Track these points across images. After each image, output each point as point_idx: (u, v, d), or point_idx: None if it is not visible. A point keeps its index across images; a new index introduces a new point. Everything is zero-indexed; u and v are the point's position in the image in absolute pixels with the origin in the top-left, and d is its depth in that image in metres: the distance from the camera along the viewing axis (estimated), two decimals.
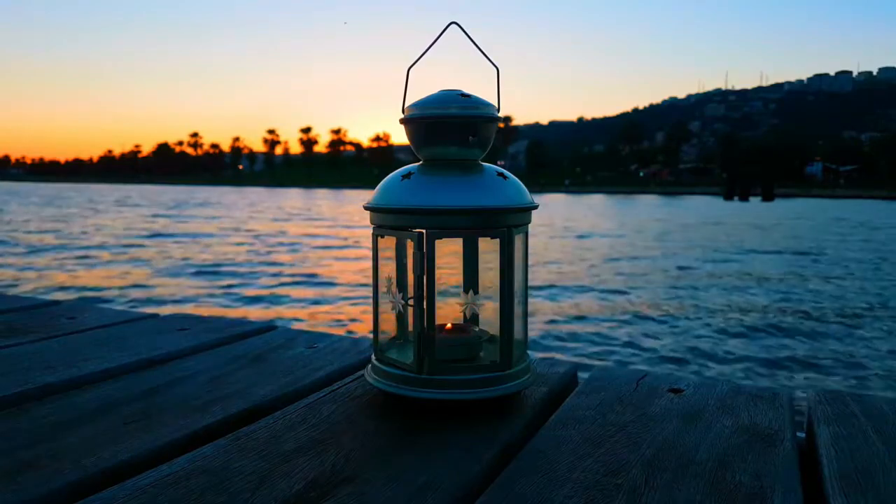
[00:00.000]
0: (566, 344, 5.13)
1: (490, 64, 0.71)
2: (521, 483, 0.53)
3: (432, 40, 0.69)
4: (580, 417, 0.67)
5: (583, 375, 0.83)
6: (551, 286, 7.84)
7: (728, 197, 47.74)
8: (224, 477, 0.53)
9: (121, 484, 0.52)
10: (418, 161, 0.72)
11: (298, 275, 8.66)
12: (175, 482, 0.52)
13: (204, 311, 6.26)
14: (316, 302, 6.84)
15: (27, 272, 8.73)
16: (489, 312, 0.74)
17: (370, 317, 0.74)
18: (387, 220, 0.69)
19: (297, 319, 6.00)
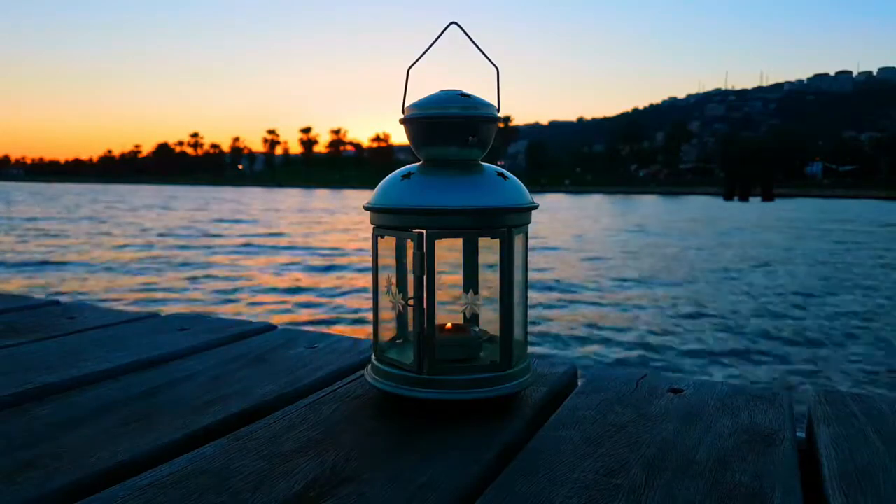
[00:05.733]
0: None
1: (490, 64, 0.71)
2: (521, 483, 0.53)
3: (432, 40, 0.69)
4: (580, 417, 0.67)
5: (583, 375, 0.83)
6: None
7: (728, 197, 47.76)
8: (224, 477, 0.53)
9: (120, 484, 0.52)
10: (418, 161, 0.72)
11: None
12: (175, 482, 0.52)
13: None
14: None
15: None
16: (489, 312, 0.74)
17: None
18: (387, 220, 0.69)
19: None
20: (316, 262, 10.46)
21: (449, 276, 0.74)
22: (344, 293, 7.72)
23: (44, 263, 9.76)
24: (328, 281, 8.61)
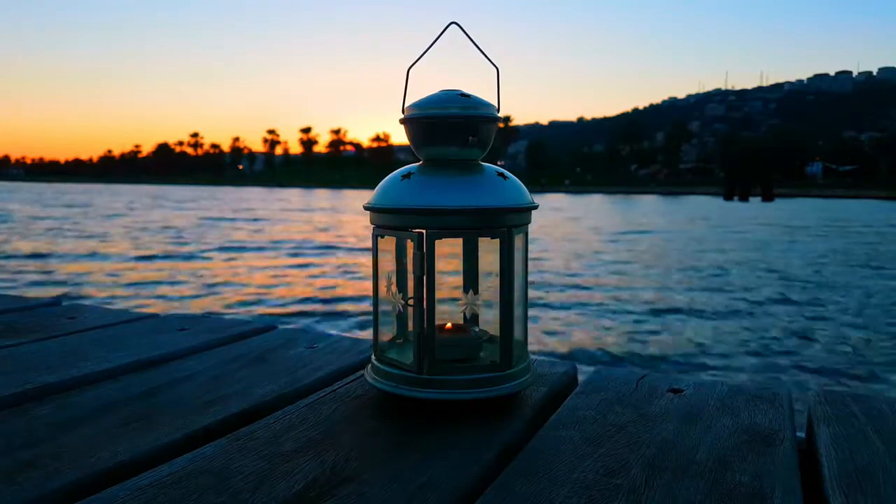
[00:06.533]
0: None
1: (490, 64, 0.72)
2: (521, 483, 0.53)
3: (432, 40, 0.69)
4: (580, 417, 0.67)
5: (583, 375, 0.83)
6: None
7: (728, 197, 47.76)
8: (224, 477, 0.53)
9: (120, 484, 0.52)
10: (418, 161, 0.72)
11: None
12: (175, 482, 0.52)
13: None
14: None
15: None
16: (489, 312, 0.74)
17: None
18: (387, 220, 0.69)
19: None
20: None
21: (449, 275, 0.75)
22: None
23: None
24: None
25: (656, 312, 6.56)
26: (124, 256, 10.49)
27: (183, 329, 1.02)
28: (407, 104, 0.71)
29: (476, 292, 0.73)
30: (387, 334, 0.76)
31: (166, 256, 10.57)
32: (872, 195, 60.62)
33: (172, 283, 7.98)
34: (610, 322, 6.12)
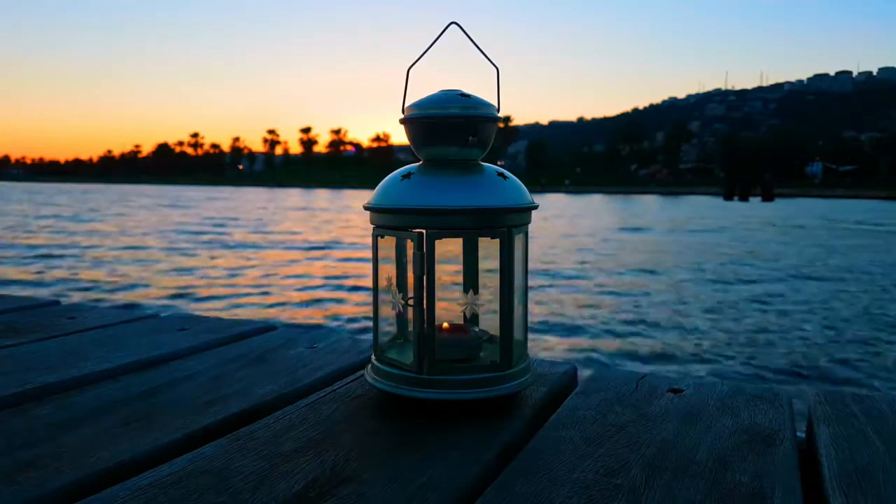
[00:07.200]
0: None
1: (490, 64, 0.72)
2: (521, 483, 0.53)
3: (432, 40, 0.69)
4: (580, 417, 0.67)
5: (583, 375, 0.83)
6: None
7: (728, 197, 47.74)
8: (224, 477, 0.53)
9: (120, 484, 0.52)
10: (418, 161, 0.72)
11: None
12: (175, 482, 0.52)
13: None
14: None
15: None
16: (489, 312, 0.74)
17: None
18: (387, 220, 0.69)
19: None
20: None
21: (449, 275, 0.74)
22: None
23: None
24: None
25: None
26: (123, 255, 10.51)
27: (183, 329, 1.02)
28: (407, 104, 0.71)
29: (476, 292, 0.73)
30: (387, 334, 0.76)
31: (166, 254, 10.60)
32: (872, 195, 60.63)
33: (171, 282, 7.99)
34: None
